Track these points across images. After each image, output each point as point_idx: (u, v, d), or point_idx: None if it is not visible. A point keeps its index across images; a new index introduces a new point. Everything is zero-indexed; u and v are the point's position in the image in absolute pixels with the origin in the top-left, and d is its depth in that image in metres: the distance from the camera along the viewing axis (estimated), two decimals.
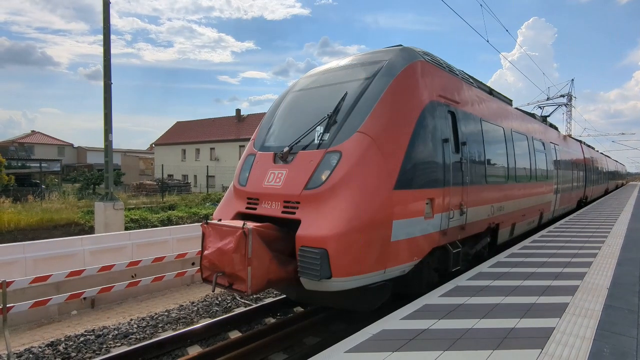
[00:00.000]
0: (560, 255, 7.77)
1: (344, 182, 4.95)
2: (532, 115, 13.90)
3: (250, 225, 4.80)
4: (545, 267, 6.82)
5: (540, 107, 21.63)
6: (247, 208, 5.77)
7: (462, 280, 6.00)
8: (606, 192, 33.91)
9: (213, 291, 5.07)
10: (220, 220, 5.52)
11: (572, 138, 22.14)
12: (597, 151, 33.24)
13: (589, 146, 27.98)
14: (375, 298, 5.37)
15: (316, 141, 5.54)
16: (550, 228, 11.77)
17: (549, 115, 18.92)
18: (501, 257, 7.70)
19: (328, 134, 5.49)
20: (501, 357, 3.48)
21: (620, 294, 5.38)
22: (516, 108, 11.90)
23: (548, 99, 24.08)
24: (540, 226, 12.66)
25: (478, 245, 7.86)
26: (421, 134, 5.73)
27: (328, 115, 5.65)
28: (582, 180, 19.84)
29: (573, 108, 40.12)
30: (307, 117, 5.99)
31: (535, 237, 10.11)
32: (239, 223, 4.89)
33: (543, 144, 12.87)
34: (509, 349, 3.65)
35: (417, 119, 5.72)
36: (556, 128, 17.06)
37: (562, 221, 13.53)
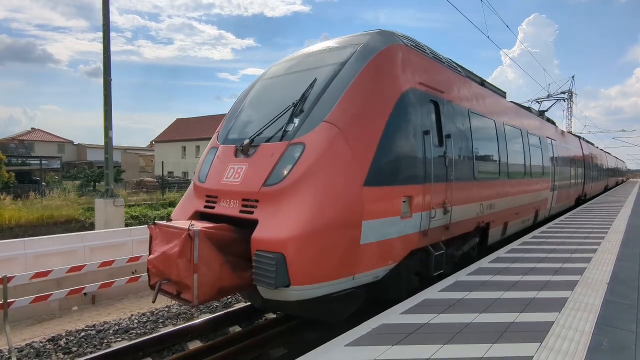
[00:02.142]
0: (559, 251, 7.78)
1: (305, 177, 4.42)
2: (528, 109, 13.30)
3: (198, 226, 4.31)
4: (545, 262, 6.83)
5: (538, 102, 21.12)
6: (205, 207, 5.24)
7: (462, 275, 6.01)
8: (606, 189, 33.65)
9: (153, 301, 4.60)
10: (169, 221, 5.03)
11: (571, 134, 21.64)
12: (597, 147, 32.90)
13: (588, 142, 27.63)
14: (344, 307, 4.91)
15: (280, 132, 4.96)
16: (550, 224, 11.78)
17: (546, 110, 18.58)
18: (501, 252, 7.70)
19: (293, 124, 4.94)
20: (500, 350, 3.49)
21: (620, 288, 5.39)
22: (511, 102, 11.49)
23: (549, 95, 23.92)
24: (536, 224, 12.31)
25: (466, 246, 7.39)
26: (397, 125, 5.19)
27: (293, 103, 5.12)
28: (580, 177, 19.44)
29: (574, 105, 40.04)
30: (274, 107, 5.41)
31: (535, 233, 10.11)
32: (186, 224, 4.40)
33: (539, 139, 12.39)
34: (509, 342, 3.66)
35: (393, 107, 5.17)
36: (553, 123, 16.72)
37: (561, 217, 13.53)
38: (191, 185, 5.83)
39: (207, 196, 5.32)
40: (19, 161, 46.38)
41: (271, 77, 6.46)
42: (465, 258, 7.37)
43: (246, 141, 5.13)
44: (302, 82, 5.43)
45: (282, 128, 4.97)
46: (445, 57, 7.54)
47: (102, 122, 14.76)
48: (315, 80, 5.28)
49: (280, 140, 4.88)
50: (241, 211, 4.73)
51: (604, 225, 11.49)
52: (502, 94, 10.52)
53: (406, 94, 5.46)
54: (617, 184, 47.64)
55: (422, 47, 6.58)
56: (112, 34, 14.77)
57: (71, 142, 64.23)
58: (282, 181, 4.49)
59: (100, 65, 14.27)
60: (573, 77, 36.38)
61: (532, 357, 3.37)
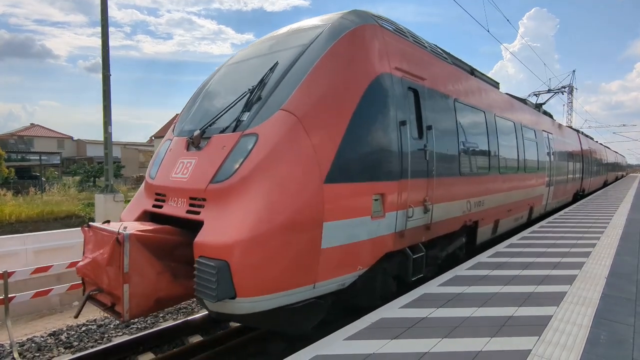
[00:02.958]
0: (559, 246, 7.79)
1: (256, 173, 3.88)
2: (523, 101, 12.62)
3: (131, 229, 3.85)
4: (544, 257, 6.85)
5: (535, 95, 20.38)
6: (154, 206, 4.69)
7: (461, 269, 6.03)
8: (605, 184, 33.37)
9: (76, 317, 4.26)
10: (107, 221, 4.49)
11: (570, 128, 21.15)
12: (596, 142, 32.51)
13: (586, 136, 27.28)
14: (305, 319, 4.34)
15: (234, 122, 4.38)
16: (550, 219, 11.79)
17: (544, 103, 18.16)
18: (500, 247, 7.72)
19: (248, 113, 4.38)
20: (499, 344, 3.51)
21: (619, 282, 5.41)
22: (506, 94, 11.01)
23: (549, 90, 23.76)
24: (531, 222, 11.84)
25: (451, 247, 6.77)
26: (367, 114, 4.62)
27: (250, 90, 4.58)
28: (578, 172, 19.00)
29: (574, 99, 39.93)
30: (233, 94, 4.86)
31: (535, 227, 10.13)
32: (117, 227, 3.94)
33: (534, 133, 11.80)
34: (507, 336, 3.68)
35: (363, 94, 4.61)
36: (551, 116, 16.20)
37: (560, 212, 13.54)
38: (143, 182, 5.27)
39: (156, 194, 4.76)
40: (19, 157, 46.40)
41: (236, 62, 5.84)
42: (450, 259, 6.86)
43: (197, 132, 4.56)
44: (264, 66, 4.87)
45: (237, 117, 4.41)
46: (429, 42, 7.04)
47: (102, 118, 14.73)
48: (276, 63, 4.73)
49: (234, 131, 4.31)
50: (188, 211, 4.17)
51: (604, 220, 11.50)
52: (495, 85, 9.94)
53: (379, 80, 4.87)
54: (616, 179, 47.56)
55: (402, 30, 6.01)
56: (111, 29, 14.70)
57: (71, 138, 64.15)
58: (230, 177, 3.95)
59: (100, 60, 14.20)
60: (574, 71, 36.23)
61: (530, 350, 3.39)
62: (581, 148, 20.28)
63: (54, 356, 5.83)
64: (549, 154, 13.09)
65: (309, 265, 3.96)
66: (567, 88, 35.94)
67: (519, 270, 5.94)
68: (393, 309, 4.36)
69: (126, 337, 5.99)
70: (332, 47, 4.61)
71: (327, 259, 4.07)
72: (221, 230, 3.70)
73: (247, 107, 4.45)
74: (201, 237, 3.75)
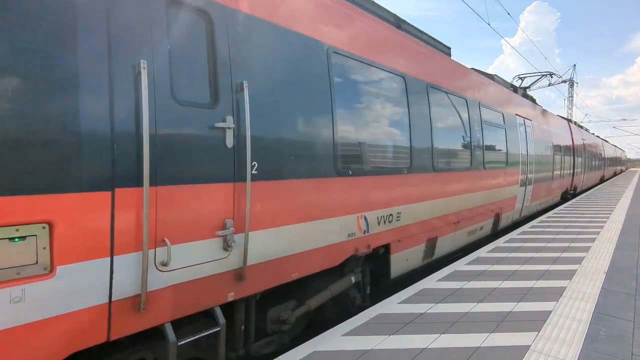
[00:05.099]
0: (558, 241, 7.78)
1: None
2: (491, 77, 9.83)
3: None
4: (544, 252, 6.83)
5: (520, 78, 17.07)
6: None
7: (460, 264, 6.01)
8: (602, 180, 31.86)
9: None
10: None
11: (560, 116, 18.56)
12: (592, 134, 30.64)
13: (580, 126, 25.40)
14: None
15: None
16: (550, 213, 11.78)
17: (528, 87, 15.98)
18: (500, 242, 7.71)
19: None
20: (498, 339, 3.49)
21: (618, 277, 5.40)
22: (473, 69, 8.81)
23: (550, 84, 23.64)
24: (500, 231, 9.39)
25: (317, 298, 4.16)
26: (56, 60, 2.29)
27: None
28: (568, 167, 16.57)
29: (575, 94, 39.77)
30: None
31: (534, 222, 10.12)
32: None
33: (503, 117, 9.24)
34: (506, 331, 3.66)
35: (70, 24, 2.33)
36: (533, 100, 13.70)
37: (560, 207, 13.52)
38: None
39: None
40: None
41: None
42: (326, 314, 4.59)
43: None
44: None
45: None
46: None
47: None
48: None
49: None
50: None
51: (604, 215, 11.49)
52: (445, 50, 7.49)
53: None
54: (615, 174, 46.36)
55: None
56: None
57: None
58: None
59: None
60: (574, 65, 36.04)
61: (529, 346, 3.38)
62: (572, 140, 18.06)
63: None
64: (526, 145, 10.65)
65: None
66: (568, 82, 35.82)
67: (519, 266, 5.92)
68: (391, 305, 4.35)
69: None
70: None
71: None
72: None
73: None
74: None
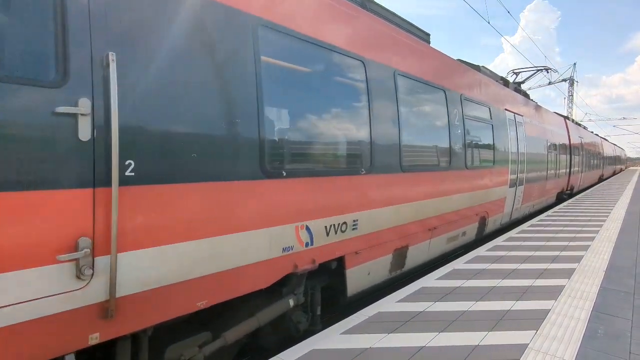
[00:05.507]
0: (558, 239, 7.78)
1: None
2: (477, 68, 9.02)
3: None
4: (543, 250, 6.83)
5: (514, 73, 16.14)
6: None
7: (459, 263, 6.01)
8: (600, 180, 31.19)
9: None
10: None
11: (556, 113, 17.89)
12: (591, 132, 29.90)
13: (577, 124, 24.72)
14: None
15: None
16: (549, 212, 11.78)
17: (522, 82, 15.30)
18: (499, 240, 7.70)
19: None
20: (496, 338, 3.50)
21: (617, 276, 5.39)
22: (459, 60, 8.26)
23: (550, 83, 23.59)
24: (487, 236, 8.61)
25: (212, 344, 3.25)
26: None
27: None
28: (564, 167, 15.84)
29: (575, 93, 39.72)
30: None
31: (533, 221, 10.12)
32: None
33: (489, 111, 8.50)
34: (504, 330, 3.66)
35: None
36: (526, 95, 13.00)
37: (560, 206, 13.52)
38: None
39: None
40: None
41: None
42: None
43: None
44: None
45: None
46: None
47: None
48: None
49: None
50: None
51: (603, 214, 11.49)
52: (422, 37, 6.69)
53: None
54: (614, 173, 45.97)
55: None
56: None
57: None
58: None
59: None
60: (575, 64, 36.04)
61: (528, 344, 3.38)
62: (569, 138, 17.40)
63: None
64: (517, 142, 9.97)
65: None
66: (568, 80, 35.81)
67: (517, 264, 5.92)
68: (390, 303, 4.35)
69: None
70: None
71: None
72: None
73: None
74: None
